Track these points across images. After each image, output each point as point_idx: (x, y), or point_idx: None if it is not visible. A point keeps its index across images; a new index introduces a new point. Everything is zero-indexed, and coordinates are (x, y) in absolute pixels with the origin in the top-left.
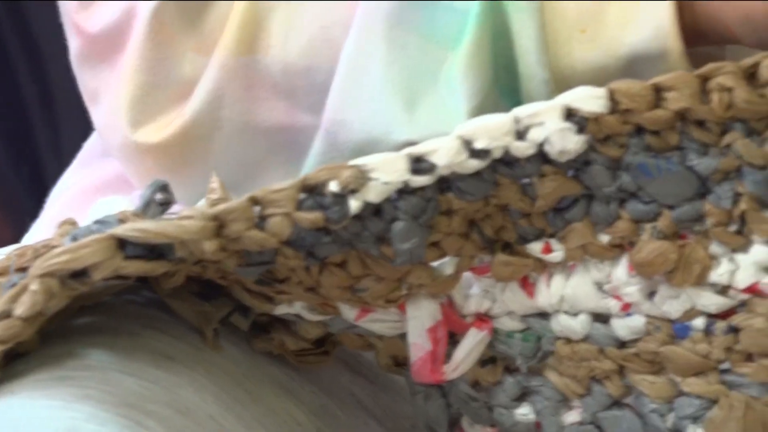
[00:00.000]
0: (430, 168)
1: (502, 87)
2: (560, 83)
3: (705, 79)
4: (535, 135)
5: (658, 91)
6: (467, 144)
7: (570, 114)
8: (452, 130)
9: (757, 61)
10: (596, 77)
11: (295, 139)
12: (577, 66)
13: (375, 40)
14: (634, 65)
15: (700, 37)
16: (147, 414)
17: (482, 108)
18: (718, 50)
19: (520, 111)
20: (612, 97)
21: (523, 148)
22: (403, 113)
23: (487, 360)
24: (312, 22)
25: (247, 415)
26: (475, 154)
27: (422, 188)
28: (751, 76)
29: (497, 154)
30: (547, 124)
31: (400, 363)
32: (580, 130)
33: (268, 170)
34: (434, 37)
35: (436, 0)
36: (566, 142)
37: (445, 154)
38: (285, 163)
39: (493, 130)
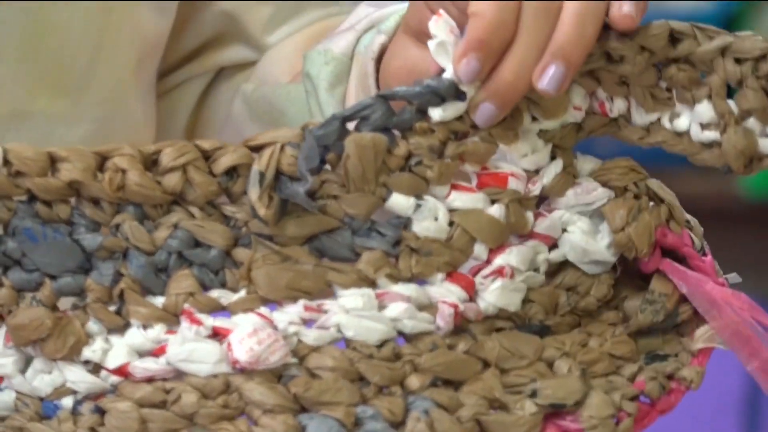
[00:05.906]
0: None
1: None
2: None
3: (104, 158)
4: None
5: (54, 160)
6: None
7: None
8: None
9: (160, 148)
10: None
11: None
12: None
13: None
14: None
15: None
16: None
17: None
18: None
19: None
20: (5, 158)
21: None
22: None
23: None
24: None
25: None
26: None
27: None
28: (154, 162)
29: None
30: None
31: None
32: None
33: None
34: None
35: None
36: None
37: None
38: None
39: None
